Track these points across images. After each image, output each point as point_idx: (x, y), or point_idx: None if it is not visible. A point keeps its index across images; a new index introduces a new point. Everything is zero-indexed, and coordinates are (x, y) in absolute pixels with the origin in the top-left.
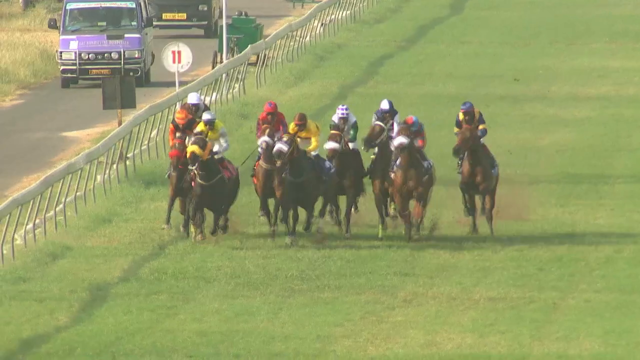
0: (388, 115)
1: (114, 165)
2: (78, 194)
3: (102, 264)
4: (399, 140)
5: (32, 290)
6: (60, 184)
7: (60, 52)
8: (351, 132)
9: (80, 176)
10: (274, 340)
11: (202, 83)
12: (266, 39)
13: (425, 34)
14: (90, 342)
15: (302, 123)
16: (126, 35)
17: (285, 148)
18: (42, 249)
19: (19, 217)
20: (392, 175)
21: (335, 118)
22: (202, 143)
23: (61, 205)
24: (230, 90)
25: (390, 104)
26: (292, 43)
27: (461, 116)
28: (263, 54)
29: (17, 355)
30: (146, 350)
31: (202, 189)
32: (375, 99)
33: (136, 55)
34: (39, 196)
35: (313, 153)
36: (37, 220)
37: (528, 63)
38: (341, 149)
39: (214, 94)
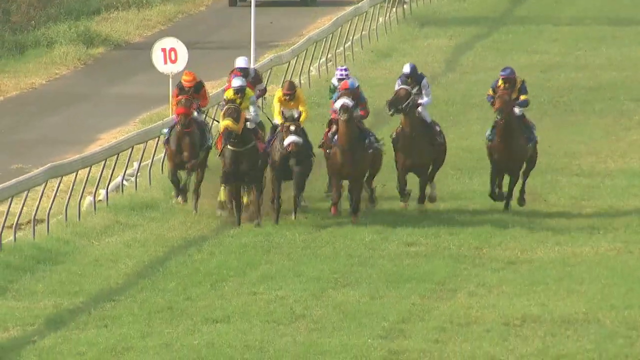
0: (410, 80)
1: (394, 8)
2: (363, 33)
3: (384, 92)
4: (342, 100)
5: (324, 113)
6: (349, 24)
7: None
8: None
9: (365, 17)
10: None
11: None
12: None
13: None
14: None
15: (291, 93)
16: None
17: (300, 140)
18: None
19: (314, 52)
20: (331, 151)
21: (334, 80)
22: (236, 114)
23: (349, 43)
24: None
25: (413, 67)
26: None
27: (500, 83)
28: None
29: None
30: None
31: (234, 157)
32: None
33: None
34: (331, 35)
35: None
36: (329, 55)
37: None
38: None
39: None
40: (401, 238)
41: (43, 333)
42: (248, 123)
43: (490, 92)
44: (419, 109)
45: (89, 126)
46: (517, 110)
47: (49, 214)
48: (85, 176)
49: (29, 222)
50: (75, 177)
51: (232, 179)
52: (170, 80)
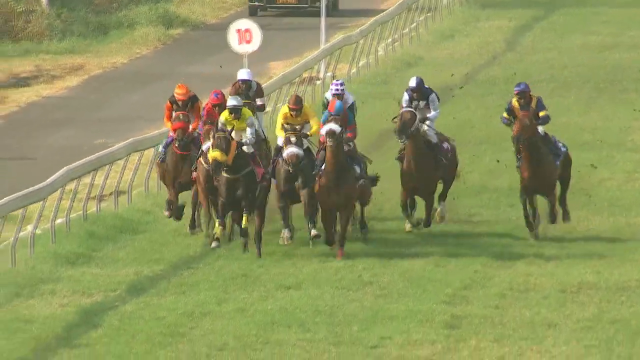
0: (416, 95)
1: None
2: (428, 14)
3: (445, 70)
4: (329, 126)
5: (390, 91)
6: (415, 5)
7: None
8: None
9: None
10: (584, 131)
11: None
12: None
13: None
14: None
15: (298, 108)
16: None
17: (301, 152)
18: (399, 58)
19: (381, 33)
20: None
21: (328, 95)
22: (225, 145)
23: (415, 24)
24: None
25: (419, 81)
26: None
27: (514, 101)
28: None
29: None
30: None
31: (228, 184)
32: None
33: None
34: (397, 16)
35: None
36: (396, 36)
37: None
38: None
39: None
40: (463, 209)
41: (125, 299)
42: (245, 147)
43: (505, 114)
44: (427, 123)
45: None
46: (540, 129)
47: (130, 186)
48: None
49: (111, 193)
50: (155, 151)
51: (228, 209)
52: (245, 59)
